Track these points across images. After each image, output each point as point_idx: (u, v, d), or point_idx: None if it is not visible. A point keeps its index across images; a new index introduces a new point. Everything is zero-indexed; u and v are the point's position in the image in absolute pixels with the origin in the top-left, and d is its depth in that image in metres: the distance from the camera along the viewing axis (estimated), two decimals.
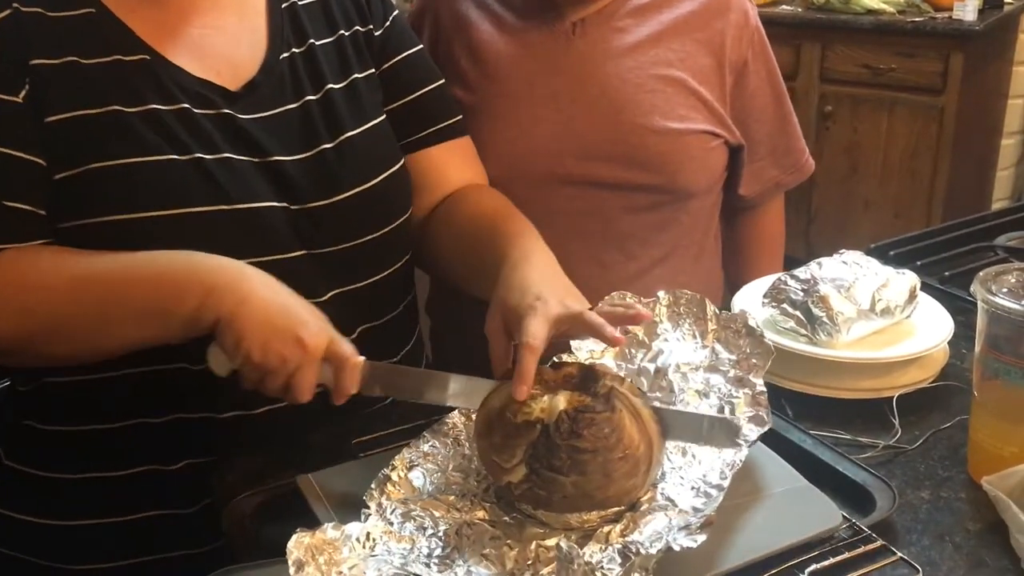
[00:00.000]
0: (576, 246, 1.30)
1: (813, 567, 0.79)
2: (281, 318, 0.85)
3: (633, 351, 0.98)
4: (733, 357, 0.93)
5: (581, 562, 0.73)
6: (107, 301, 0.89)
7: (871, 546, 0.81)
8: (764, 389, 0.89)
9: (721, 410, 0.89)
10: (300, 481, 0.88)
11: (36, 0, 0.94)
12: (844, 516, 0.83)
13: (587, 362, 0.92)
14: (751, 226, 1.51)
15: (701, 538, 0.74)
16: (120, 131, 0.94)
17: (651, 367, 0.96)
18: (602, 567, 0.72)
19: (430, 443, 0.90)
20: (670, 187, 1.30)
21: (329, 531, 0.77)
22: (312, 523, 0.79)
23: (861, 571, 0.79)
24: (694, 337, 0.97)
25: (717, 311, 0.97)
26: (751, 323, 0.93)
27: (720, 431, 0.85)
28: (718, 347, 0.94)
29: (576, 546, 0.74)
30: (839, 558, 0.80)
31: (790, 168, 1.44)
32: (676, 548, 0.73)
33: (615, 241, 1.31)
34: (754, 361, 0.91)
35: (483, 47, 1.30)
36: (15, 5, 0.93)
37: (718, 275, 1.50)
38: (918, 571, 0.80)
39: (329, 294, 1.04)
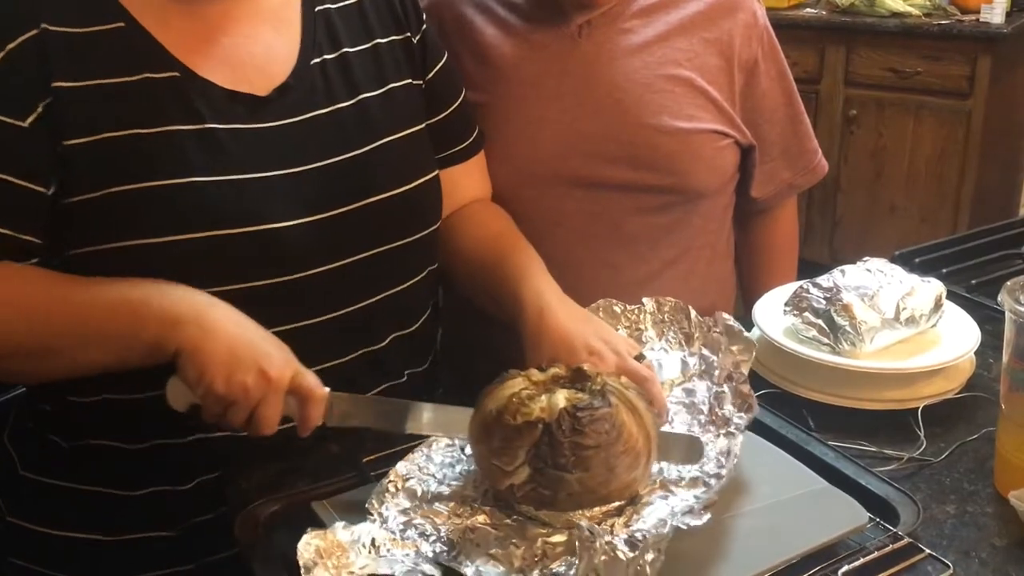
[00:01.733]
0: (585, 249, 1.29)
1: (845, 568, 0.78)
2: (245, 350, 0.86)
3: None
4: (718, 358, 0.95)
5: (602, 542, 0.73)
6: (69, 324, 0.89)
7: (899, 544, 0.80)
8: (746, 375, 0.91)
9: (711, 408, 0.91)
10: (315, 506, 0.87)
11: (65, 17, 0.92)
12: (870, 516, 0.82)
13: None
14: (764, 229, 1.49)
15: (706, 516, 0.75)
16: (141, 154, 0.92)
17: None
18: (616, 548, 0.73)
19: (424, 454, 0.91)
20: (679, 188, 1.29)
21: (339, 532, 0.78)
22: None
23: (893, 569, 0.78)
24: (680, 346, 0.98)
25: (699, 317, 0.97)
26: (729, 322, 0.95)
27: (680, 447, 0.86)
28: (705, 352, 0.96)
29: (596, 526, 0.76)
30: (869, 558, 0.79)
31: (803, 169, 1.42)
32: (683, 527, 0.74)
33: (624, 243, 1.31)
34: (740, 358, 0.93)
35: (488, 50, 1.29)
36: (44, 25, 0.92)
37: (731, 279, 1.48)
38: (949, 567, 0.79)
39: (360, 303, 1.04)
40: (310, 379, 0.88)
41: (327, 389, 0.89)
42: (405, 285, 1.09)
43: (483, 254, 1.13)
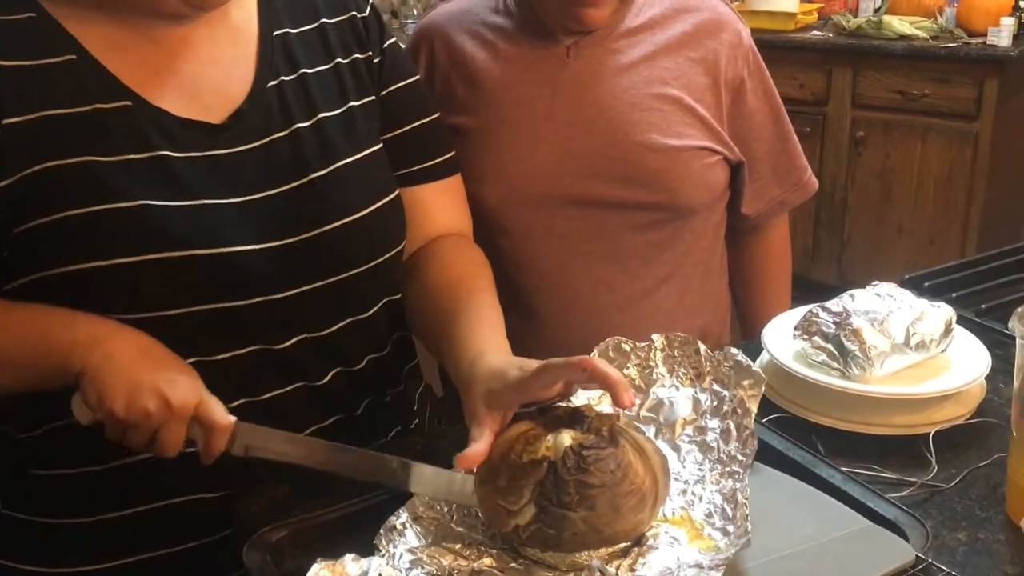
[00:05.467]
0: (578, 266, 1.31)
1: None
2: (148, 374, 0.86)
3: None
4: (729, 393, 0.94)
5: None
6: None
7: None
8: (752, 410, 0.91)
9: (719, 446, 0.91)
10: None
11: (13, 51, 0.92)
12: (918, 556, 0.81)
13: (573, 405, 0.92)
14: (757, 247, 1.50)
15: (716, 575, 0.75)
16: (91, 180, 0.92)
17: (651, 416, 0.97)
18: None
19: (429, 497, 0.90)
20: (671, 204, 1.30)
21: (349, 564, 0.78)
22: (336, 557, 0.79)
23: None
24: (691, 382, 0.97)
25: (709, 352, 0.98)
26: (739, 357, 0.95)
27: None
28: (716, 387, 0.96)
29: (606, 566, 0.76)
30: None
31: (792, 186, 1.44)
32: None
33: (617, 260, 1.32)
34: (750, 393, 0.93)
35: (480, 74, 1.31)
36: None
37: (725, 296, 1.49)
38: None
39: (328, 328, 1.03)
40: (216, 409, 0.88)
41: (233, 418, 0.89)
42: (374, 309, 1.08)
43: (437, 305, 1.08)
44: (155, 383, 0.85)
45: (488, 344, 0.96)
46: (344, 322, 1.05)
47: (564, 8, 1.26)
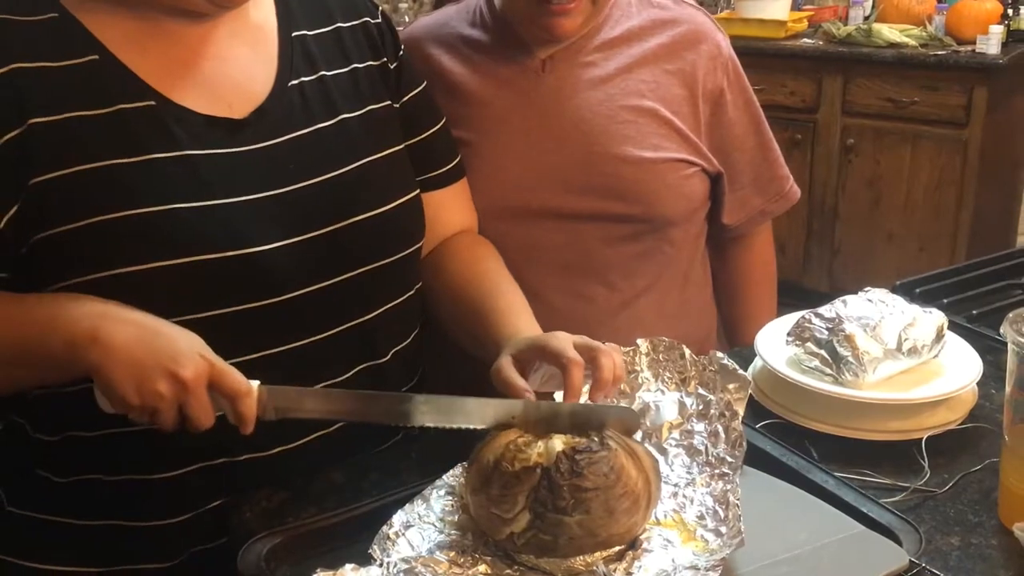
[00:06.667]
0: (557, 279, 1.31)
1: None
2: (150, 356, 0.84)
3: (615, 400, 0.99)
4: (714, 397, 0.95)
5: None
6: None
7: None
8: (740, 412, 0.92)
9: (707, 449, 0.92)
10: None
11: (38, 52, 0.93)
12: (912, 561, 0.81)
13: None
14: (741, 257, 1.51)
15: (713, 575, 0.75)
16: (120, 184, 0.92)
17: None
18: None
19: (423, 505, 0.90)
20: (648, 216, 1.31)
21: (348, 573, 0.78)
22: (332, 565, 0.79)
23: None
24: (676, 386, 0.98)
25: (694, 356, 0.98)
26: (724, 361, 0.95)
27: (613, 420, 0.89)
28: (702, 391, 0.96)
29: (607, 567, 0.76)
30: None
31: (774, 196, 1.44)
32: None
33: (596, 273, 1.33)
34: (736, 396, 0.94)
35: (456, 88, 1.32)
36: (15, 64, 0.91)
37: (709, 306, 1.50)
38: None
39: (350, 323, 1.04)
40: (232, 378, 0.85)
41: (255, 383, 0.87)
42: (396, 302, 1.09)
43: (468, 296, 1.13)
44: (160, 363, 0.83)
45: (525, 328, 1.05)
46: (365, 317, 1.05)
47: (534, 18, 1.26)
